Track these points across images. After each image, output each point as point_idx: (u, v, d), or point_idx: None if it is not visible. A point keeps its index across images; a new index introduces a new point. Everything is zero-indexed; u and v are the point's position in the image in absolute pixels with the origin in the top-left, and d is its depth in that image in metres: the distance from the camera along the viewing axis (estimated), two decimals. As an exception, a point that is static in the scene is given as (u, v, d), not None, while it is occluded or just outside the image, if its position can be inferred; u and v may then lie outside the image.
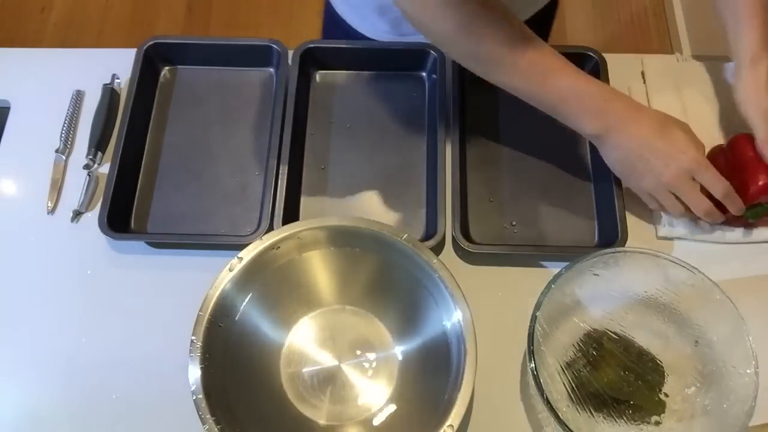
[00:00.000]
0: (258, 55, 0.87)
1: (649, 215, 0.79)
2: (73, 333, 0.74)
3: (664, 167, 0.68)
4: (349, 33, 0.92)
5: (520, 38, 0.67)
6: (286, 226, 0.68)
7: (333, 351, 0.72)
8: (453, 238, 0.76)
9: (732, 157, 0.74)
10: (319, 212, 0.80)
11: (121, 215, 0.78)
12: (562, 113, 0.71)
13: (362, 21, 0.91)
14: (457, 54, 0.73)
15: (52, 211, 0.80)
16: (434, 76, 0.85)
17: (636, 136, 0.69)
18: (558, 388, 0.66)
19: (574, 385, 0.66)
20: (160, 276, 0.77)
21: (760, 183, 0.71)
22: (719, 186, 0.69)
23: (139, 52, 0.85)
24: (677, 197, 0.71)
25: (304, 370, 0.71)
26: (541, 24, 0.98)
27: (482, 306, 0.68)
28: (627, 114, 0.69)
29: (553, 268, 0.75)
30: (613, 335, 0.69)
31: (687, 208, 0.71)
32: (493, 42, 0.67)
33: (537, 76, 0.69)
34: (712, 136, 0.82)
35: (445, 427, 0.59)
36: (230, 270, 0.66)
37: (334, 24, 0.94)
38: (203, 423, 0.60)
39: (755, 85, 0.74)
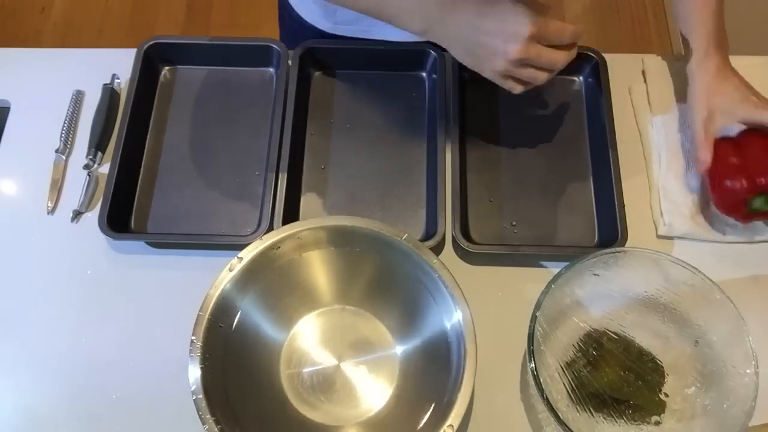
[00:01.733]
0: (258, 55, 0.87)
1: (649, 215, 0.79)
2: (73, 333, 0.74)
3: (505, 44, 0.63)
4: (293, 17, 0.91)
5: None
6: (286, 226, 0.68)
7: (333, 351, 0.72)
8: (453, 238, 0.76)
9: (744, 147, 0.73)
10: (319, 212, 0.80)
11: (121, 215, 0.78)
12: (387, 16, 0.68)
13: (299, 2, 0.90)
14: None
15: (52, 211, 0.80)
16: (434, 76, 0.85)
17: (461, 22, 0.65)
18: (558, 388, 0.66)
19: (574, 385, 0.66)
20: (160, 276, 0.77)
21: (738, 185, 0.71)
22: (568, 32, 0.64)
23: (139, 52, 0.85)
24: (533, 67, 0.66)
25: (304, 370, 0.71)
26: None
27: (482, 306, 0.68)
28: (445, 2, 0.65)
29: (553, 268, 0.75)
30: (613, 335, 0.69)
31: (547, 71, 0.67)
32: None
33: None
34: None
35: (445, 427, 0.59)
36: (230, 270, 0.66)
37: (283, 9, 0.95)
38: (203, 423, 0.60)
39: (698, 92, 0.74)
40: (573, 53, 0.66)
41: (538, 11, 0.62)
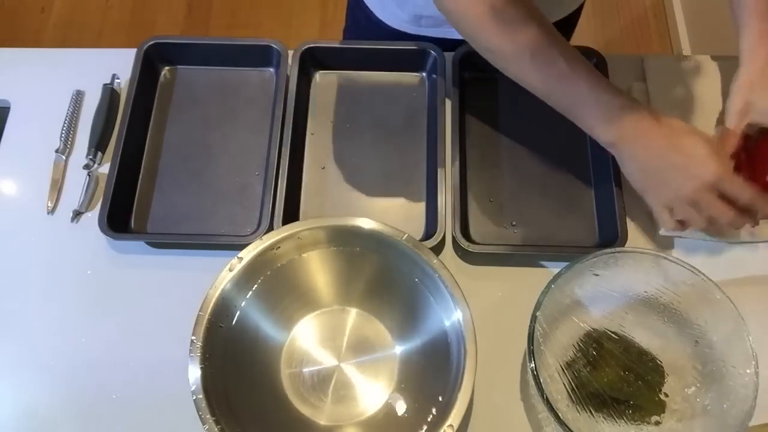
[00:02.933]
0: (258, 55, 0.87)
1: (649, 215, 0.79)
2: (73, 333, 0.74)
3: (683, 180, 0.65)
4: (371, 19, 0.92)
5: (546, 35, 0.66)
6: (286, 226, 0.69)
7: (333, 351, 0.72)
8: (453, 238, 0.76)
9: (757, 149, 0.73)
10: (319, 212, 0.80)
11: (121, 215, 0.78)
12: (578, 117, 0.70)
13: (383, 9, 0.91)
14: (481, 44, 0.70)
15: (52, 211, 0.80)
16: (434, 76, 0.85)
17: (652, 147, 0.66)
18: (558, 388, 0.66)
19: (574, 385, 0.66)
20: (160, 276, 0.77)
21: None
22: (746, 194, 0.65)
23: (139, 52, 0.85)
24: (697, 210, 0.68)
25: (304, 370, 0.71)
26: (565, 27, 0.97)
27: (482, 306, 0.68)
28: (643, 125, 0.66)
29: (553, 268, 0.75)
30: (613, 335, 0.69)
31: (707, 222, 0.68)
32: (520, 36, 0.66)
33: (556, 76, 0.67)
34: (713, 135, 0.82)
35: (445, 427, 0.59)
36: (230, 270, 0.66)
37: (358, 8, 0.95)
38: (203, 423, 0.60)
39: (741, 82, 0.73)
40: (741, 223, 0.67)
41: (724, 161, 0.65)
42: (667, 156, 0.66)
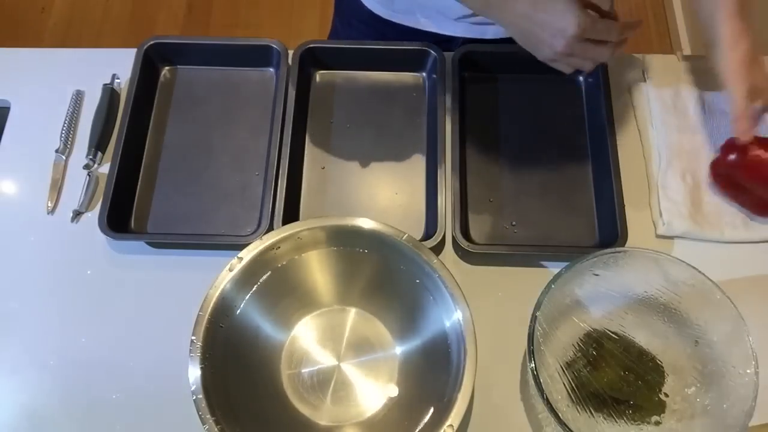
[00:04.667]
0: (258, 55, 0.87)
1: (649, 215, 0.79)
2: (73, 333, 0.74)
3: (553, 38, 0.65)
4: (351, 4, 0.93)
5: None
6: (286, 226, 0.68)
7: (333, 351, 0.72)
8: (453, 238, 0.76)
9: None
10: (319, 212, 0.80)
11: (121, 215, 0.78)
12: None
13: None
14: None
15: (52, 211, 0.80)
16: (434, 76, 0.85)
17: (517, 10, 0.67)
18: (558, 388, 0.66)
19: (574, 385, 0.66)
20: (160, 276, 0.77)
21: None
22: (615, 31, 0.66)
23: (139, 52, 0.85)
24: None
25: (304, 370, 0.71)
26: None
27: (482, 306, 0.68)
28: None
29: (553, 268, 0.75)
30: (613, 335, 0.69)
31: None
32: None
33: None
34: (714, 136, 0.82)
35: (445, 427, 0.59)
36: (230, 270, 0.66)
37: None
38: (203, 423, 0.60)
39: (735, 67, 0.73)
40: (620, 49, 0.68)
41: (587, 8, 0.64)
42: (532, 16, 0.66)
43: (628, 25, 0.66)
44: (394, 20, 0.90)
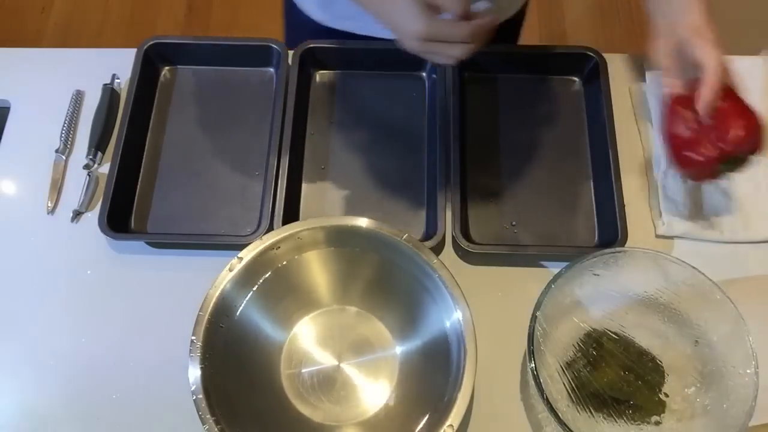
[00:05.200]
0: (258, 55, 0.87)
1: (649, 215, 0.79)
2: (73, 333, 0.74)
3: (401, 38, 0.64)
4: (294, 12, 0.92)
5: None
6: (286, 226, 0.68)
7: (333, 351, 0.72)
8: (453, 238, 0.76)
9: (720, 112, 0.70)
10: (319, 212, 0.80)
11: (121, 215, 0.78)
12: None
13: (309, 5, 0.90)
14: None
15: (52, 211, 0.80)
16: (434, 76, 0.85)
17: (375, 5, 0.66)
18: (558, 388, 0.66)
19: (574, 385, 0.66)
20: (160, 276, 0.77)
21: (741, 133, 0.67)
22: (460, 33, 0.62)
23: (139, 52, 0.85)
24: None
25: (304, 370, 0.71)
26: (507, 34, 0.97)
27: (482, 306, 0.68)
28: None
29: (553, 268, 0.75)
30: (613, 335, 0.69)
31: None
32: None
33: None
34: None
35: (445, 427, 0.59)
36: (230, 270, 0.66)
37: (287, 3, 0.95)
38: (203, 423, 0.60)
39: (701, 18, 0.71)
40: (475, 46, 0.64)
41: (433, 10, 0.62)
42: (383, 16, 0.65)
43: (479, 27, 0.63)
44: (336, 27, 0.89)
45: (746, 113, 0.69)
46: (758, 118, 0.69)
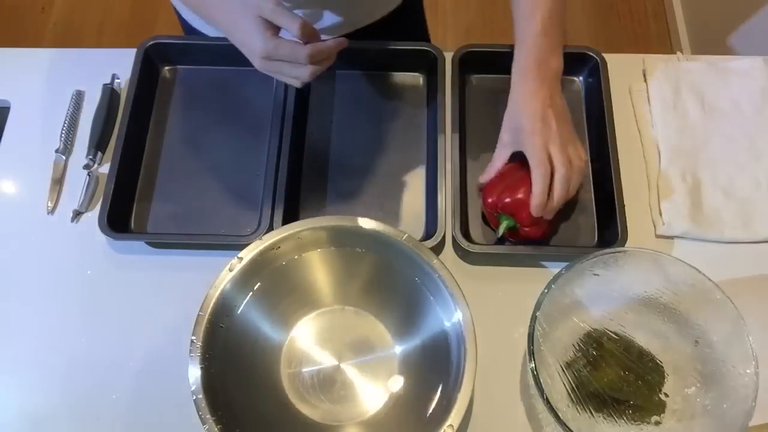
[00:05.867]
0: (258, 55, 0.87)
1: (649, 215, 0.79)
2: (73, 333, 0.74)
3: (249, 57, 0.66)
4: (186, 28, 0.95)
5: None
6: (286, 226, 0.68)
7: (333, 351, 0.72)
8: (453, 238, 0.76)
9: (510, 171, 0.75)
10: (319, 212, 0.80)
11: (121, 215, 0.78)
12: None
13: (191, 13, 0.92)
14: None
15: (52, 211, 0.80)
16: (434, 76, 0.85)
17: (227, 26, 0.67)
18: (558, 388, 0.66)
19: (574, 385, 0.66)
20: (160, 276, 0.77)
21: (489, 200, 0.73)
22: (301, 55, 0.63)
23: (139, 52, 0.85)
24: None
25: (304, 370, 0.71)
26: (393, 26, 0.95)
27: (482, 306, 0.68)
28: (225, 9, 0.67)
29: (553, 268, 0.75)
30: (613, 335, 0.69)
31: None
32: None
33: None
34: (714, 136, 0.82)
35: (445, 427, 0.59)
36: (230, 270, 0.66)
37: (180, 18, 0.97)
38: (203, 423, 0.60)
39: (508, 108, 0.73)
40: (319, 68, 0.65)
41: (275, 31, 0.63)
42: (233, 36, 0.67)
43: (320, 49, 0.64)
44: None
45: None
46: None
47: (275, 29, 0.63)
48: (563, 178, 0.69)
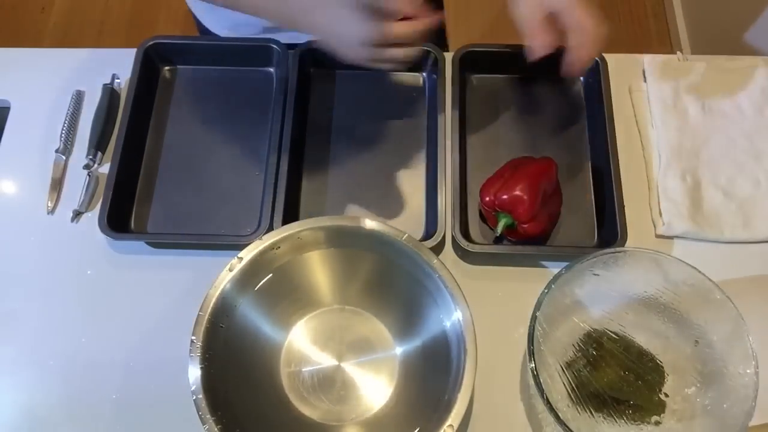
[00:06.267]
0: (258, 55, 0.87)
1: (649, 215, 0.79)
2: (73, 333, 0.74)
3: (347, 49, 0.65)
4: (203, 26, 0.94)
5: None
6: (286, 226, 0.68)
7: (333, 351, 0.72)
8: (453, 238, 0.76)
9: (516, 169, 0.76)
10: (319, 212, 0.80)
11: (121, 215, 0.78)
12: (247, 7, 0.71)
13: (210, 20, 0.92)
14: None
15: (52, 211, 0.80)
16: (434, 76, 0.85)
17: (314, 25, 0.66)
18: (558, 388, 0.66)
19: (574, 385, 0.66)
20: (160, 276, 0.77)
21: (486, 198, 0.74)
22: (404, 33, 0.63)
23: (139, 52, 0.85)
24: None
25: (304, 370, 0.71)
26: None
27: (482, 306, 0.68)
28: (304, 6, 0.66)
29: (553, 268, 0.75)
30: (613, 335, 0.69)
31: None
32: None
33: None
34: (714, 136, 0.82)
35: (445, 427, 0.59)
36: (230, 270, 0.66)
37: (194, 21, 0.96)
38: (203, 423, 0.60)
39: None
40: (418, 47, 0.66)
41: (377, 16, 0.62)
42: (326, 29, 0.65)
43: (425, 24, 0.63)
44: (246, 35, 0.91)
45: (534, 192, 0.72)
46: (537, 205, 0.72)
47: (378, 14, 0.62)
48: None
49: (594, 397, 0.66)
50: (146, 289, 0.76)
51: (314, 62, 0.87)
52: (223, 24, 0.93)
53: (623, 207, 0.75)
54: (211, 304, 0.65)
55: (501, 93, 0.87)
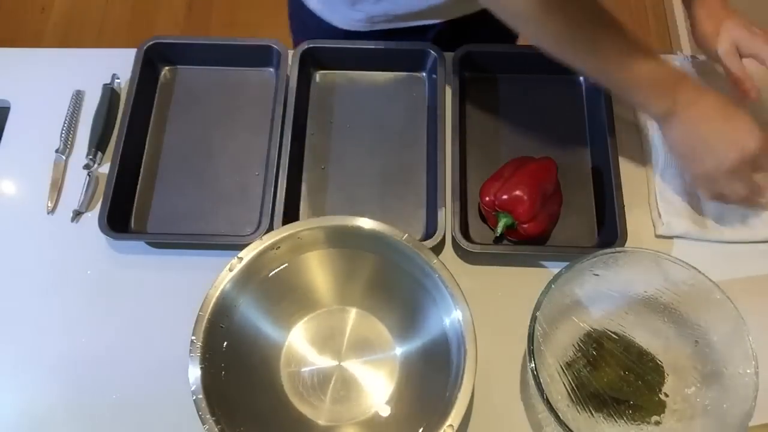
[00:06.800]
0: (258, 55, 0.87)
1: (649, 215, 0.79)
2: (73, 333, 0.74)
3: (727, 150, 0.67)
4: (319, 22, 0.90)
5: (599, 17, 0.65)
6: (286, 226, 0.68)
7: (333, 351, 0.72)
8: (453, 238, 0.76)
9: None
10: (319, 212, 0.80)
11: (121, 215, 0.78)
12: (632, 95, 0.71)
13: (332, 12, 0.88)
14: (534, 32, 0.68)
15: (52, 211, 0.80)
16: (434, 76, 0.85)
17: (700, 118, 0.69)
18: (558, 388, 0.66)
19: (574, 385, 0.66)
20: (160, 276, 0.77)
21: (486, 198, 0.74)
22: None
23: (139, 52, 0.85)
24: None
25: (304, 369, 0.71)
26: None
27: (482, 306, 0.68)
28: (693, 96, 0.69)
29: (553, 268, 0.75)
30: (613, 335, 0.69)
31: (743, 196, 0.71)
32: (574, 20, 0.65)
33: (614, 58, 0.67)
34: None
35: (445, 427, 0.59)
36: (230, 270, 0.66)
37: (302, 11, 0.92)
38: (203, 423, 0.60)
39: (709, 28, 0.76)
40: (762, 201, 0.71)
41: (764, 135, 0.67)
42: (715, 124, 0.68)
43: None
44: (375, 29, 0.88)
45: (534, 192, 0.73)
46: (537, 204, 0.73)
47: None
48: None
49: (594, 397, 0.66)
50: (146, 289, 0.76)
51: (314, 62, 0.87)
52: (354, 17, 0.88)
53: (623, 207, 0.75)
54: (211, 304, 0.65)
55: (501, 93, 0.87)
